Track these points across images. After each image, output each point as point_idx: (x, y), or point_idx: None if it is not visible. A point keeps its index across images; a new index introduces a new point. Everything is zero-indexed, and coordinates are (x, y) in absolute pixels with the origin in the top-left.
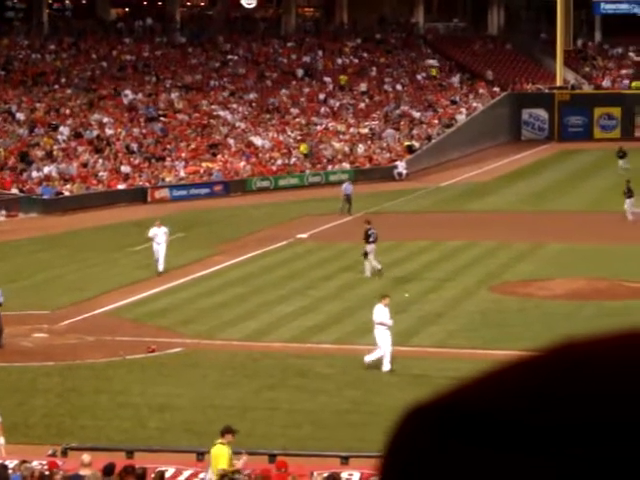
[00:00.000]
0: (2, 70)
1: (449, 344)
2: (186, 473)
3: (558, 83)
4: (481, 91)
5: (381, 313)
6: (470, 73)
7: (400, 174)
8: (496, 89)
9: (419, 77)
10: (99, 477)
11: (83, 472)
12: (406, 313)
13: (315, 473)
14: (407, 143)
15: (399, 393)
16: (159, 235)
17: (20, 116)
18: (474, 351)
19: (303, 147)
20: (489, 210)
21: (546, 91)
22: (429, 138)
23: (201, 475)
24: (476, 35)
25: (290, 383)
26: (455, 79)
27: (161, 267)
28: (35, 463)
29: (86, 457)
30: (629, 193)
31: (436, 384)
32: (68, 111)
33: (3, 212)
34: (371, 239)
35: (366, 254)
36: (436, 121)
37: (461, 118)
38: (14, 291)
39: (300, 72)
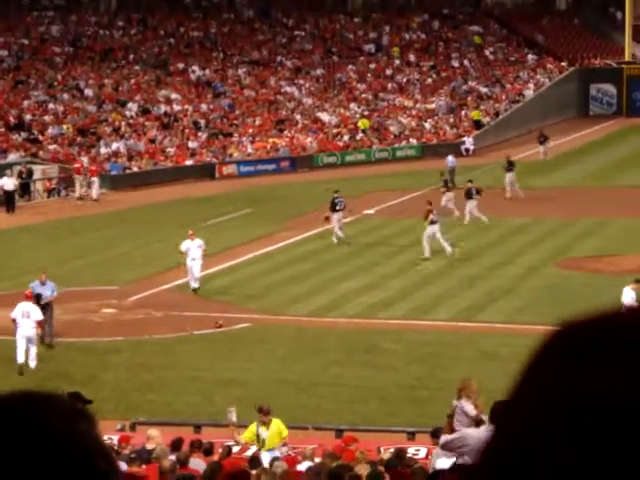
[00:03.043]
0: (71, 47)
1: (516, 320)
2: (253, 448)
3: (627, 58)
4: (549, 66)
5: (629, 296)
6: (538, 48)
7: (467, 150)
8: (564, 64)
9: (487, 52)
10: (167, 451)
11: (150, 446)
12: (473, 289)
13: (382, 448)
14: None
15: (465, 369)
16: (192, 249)
17: (88, 92)
18: (542, 327)
19: (362, 122)
20: (556, 186)
21: (614, 66)
22: (497, 114)
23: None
24: (544, 10)
25: (356, 359)
26: (523, 54)
27: (196, 284)
28: (105, 437)
29: (153, 431)
30: None
31: (503, 360)
32: (136, 87)
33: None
34: (337, 207)
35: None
36: (504, 97)
37: (529, 94)
38: (83, 267)
39: (367, 48)
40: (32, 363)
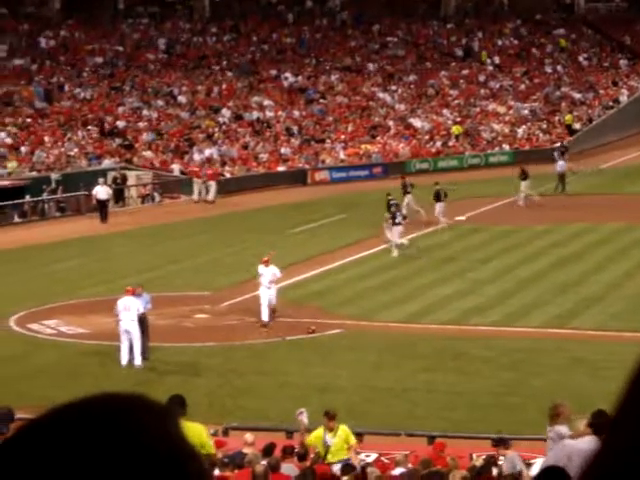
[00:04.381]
0: (164, 54)
1: (610, 327)
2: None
3: None
4: None
5: None
6: (631, 54)
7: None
8: None
9: (580, 58)
10: (259, 457)
11: (247, 450)
12: (564, 296)
13: (474, 455)
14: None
15: (557, 376)
16: (265, 275)
17: (182, 99)
18: (635, 334)
19: (456, 128)
20: None
21: None
22: (590, 120)
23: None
24: (638, 15)
25: (447, 365)
26: (616, 60)
27: (266, 317)
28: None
29: (249, 436)
30: None
31: (595, 367)
32: (228, 93)
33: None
34: (392, 209)
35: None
36: (597, 102)
37: (623, 100)
38: (176, 272)
39: (459, 54)
40: (137, 360)
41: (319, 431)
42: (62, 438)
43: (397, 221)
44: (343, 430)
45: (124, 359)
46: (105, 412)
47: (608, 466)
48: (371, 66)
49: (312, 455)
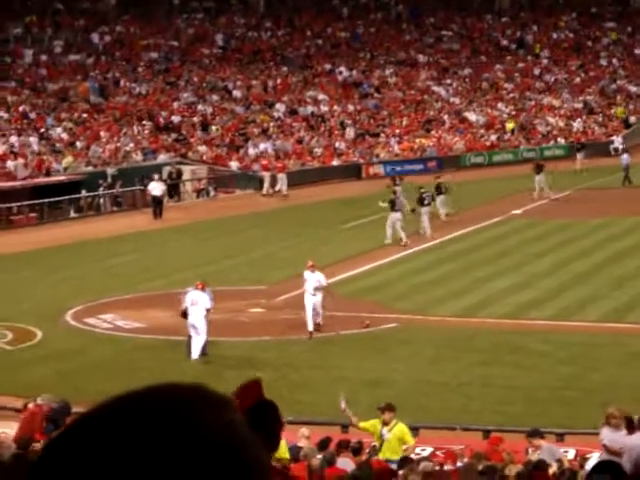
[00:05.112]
0: (220, 49)
1: None
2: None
3: None
4: None
5: None
6: None
7: (616, 149)
8: None
9: (637, 51)
10: (315, 451)
11: (302, 444)
12: (621, 289)
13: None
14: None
15: (615, 370)
16: (310, 281)
17: (237, 94)
18: None
19: (510, 124)
20: None
21: None
22: None
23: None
24: None
25: (504, 359)
26: None
27: (311, 326)
28: None
29: (305, 430)
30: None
31: None
32: (283, 88)
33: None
34: (426, 202)
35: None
36: None
37: None
38: (231, 267)
39: (513, 47)
40: (194, 354)
41: (376, 421)
42: (118, 429)
43: (426, 202)
44: (400, 429)
45: (195, 353)
46: (163, 402)
47: None
48: (426, 60)
49: (367, 450)
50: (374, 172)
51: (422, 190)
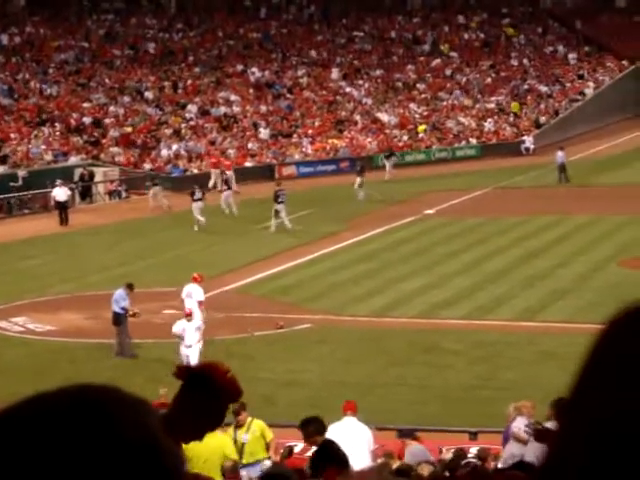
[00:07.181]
0: (130, 49)
1: (577, 320)
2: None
3: None
4: (609, 65)
5: None
6: (597, 46)
7: (527, 149)
8: (624, 62)
9: (546, 51)
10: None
11: None
12: (534, 288)
13: (444, 449)
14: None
15: (527, 369)
16: (188, 330)
17: (148, 95)
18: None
19: (421, 128)
20: (618, 184)
21: None
22: (556, 113)
23: None
24: (604, 7)
25: (418, 359)
26: (576, 54)
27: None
28: None
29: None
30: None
31: (563, 359)
32: (195, 89)
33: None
34: (280, 199)
35: (277, 212)
36: (563, 96)
37: (589, 92)
38: (144, 268)
39: (425, 48)
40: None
41: (229, 432)
42: (28, 430)
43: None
44: (258, 425)
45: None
46: (76, 403)
47: (568, 454)
48: (338, 60)
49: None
50: (287, 173)
51: (277, 189)
